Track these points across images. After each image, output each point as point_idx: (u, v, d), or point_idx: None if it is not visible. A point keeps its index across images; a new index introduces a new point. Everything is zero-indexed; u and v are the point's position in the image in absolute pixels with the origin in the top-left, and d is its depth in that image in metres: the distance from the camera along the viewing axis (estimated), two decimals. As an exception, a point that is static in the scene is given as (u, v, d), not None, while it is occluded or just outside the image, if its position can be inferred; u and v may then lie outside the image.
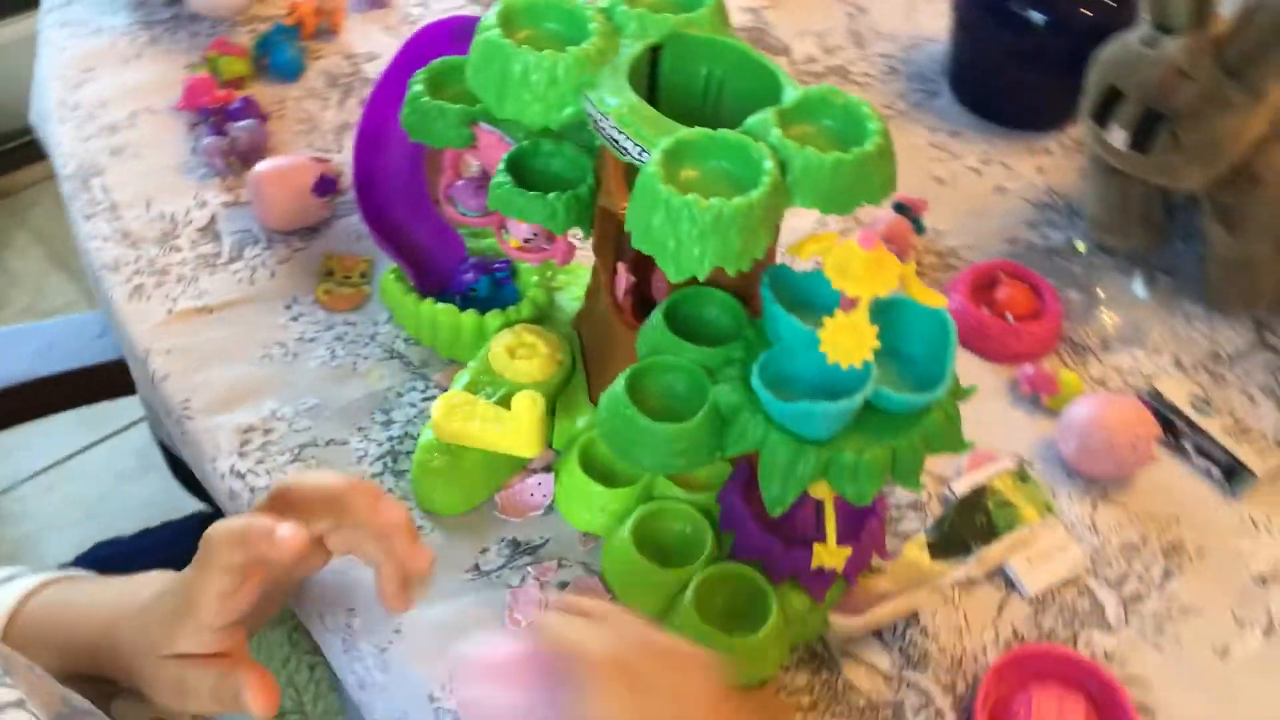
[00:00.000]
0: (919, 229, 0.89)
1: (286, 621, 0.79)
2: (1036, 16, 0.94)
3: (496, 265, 0.80)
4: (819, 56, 1.05)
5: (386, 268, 0.81)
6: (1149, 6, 0.79)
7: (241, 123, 0.90)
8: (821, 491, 0.61)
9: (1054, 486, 0.76)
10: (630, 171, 0.65)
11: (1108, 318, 0.85)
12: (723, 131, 0.59)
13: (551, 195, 0.68)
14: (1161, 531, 0.74)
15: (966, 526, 0.72)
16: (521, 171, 0.70)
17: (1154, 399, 0.79)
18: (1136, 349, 0.84)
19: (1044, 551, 0.72)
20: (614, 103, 0.61)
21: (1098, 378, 0.82)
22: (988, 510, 0.73)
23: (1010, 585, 0.71)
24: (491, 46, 0.62)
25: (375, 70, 0.99)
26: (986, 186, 0.95)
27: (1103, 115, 0.80)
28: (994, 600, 0.70)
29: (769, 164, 0.57)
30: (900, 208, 0.89)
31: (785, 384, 0.59)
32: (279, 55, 0.97)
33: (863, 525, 0.67)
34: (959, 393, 0.63)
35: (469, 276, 0.79)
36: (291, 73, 0.97)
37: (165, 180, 0.89)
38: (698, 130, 0.59)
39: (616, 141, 0.61)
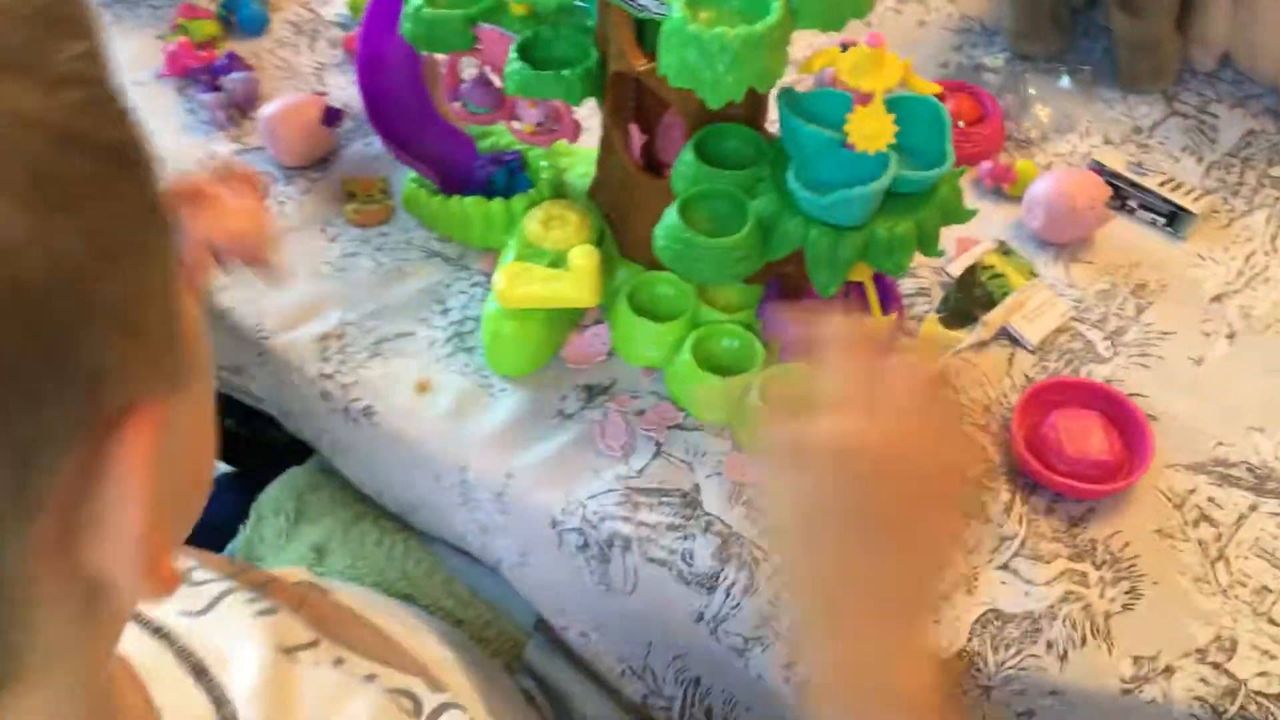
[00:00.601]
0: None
1: (366, 515, 0.86)
2: None
3: (508, 157, 0.88)
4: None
5: (405, 180, 0.88)
6: None
7: (233, 75, 0.96)
8: (860, 274, 0.71)
9: (1031, 256, 0.87)
10: (640, 33, 0.73)
11: (1041, 112, 0.96)
12: (728, -25, 0.68)
13: (566, 71, 0.76)
14: (1128, 276, 0.86)
15: (968, 299, 0.83)
16: (535, 61, 0.78)
17: (1098, 169, 0.91)
18: (1070, 135, 0.96)
19: (1036, 309, 0.83)
20: (625, -32, 0.69)
21: (1044, 164, 0.93)
22: (983, 283, 0.83)
23: (1014, 341, 0.82)
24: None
25: (333, 13, 1.05)
26: (910, 22, 1.06)
27: (1011, -69, 0.91)
28: (1004, 355, 0.81)
29: (775, -4, 0.66)
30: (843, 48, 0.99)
31: (813, 188, 0.69)
32: (244, 11, 1.02)
33: (886, 311, 0.77)
34: (957, 172, 0.73)
35: (486, 170, 0.87)
36: (258, 27, 1.03)
37: (173, 142, 0.94)
38: (708, -22, 0.67)
39: (635, 1, 0.69)
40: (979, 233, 0.88)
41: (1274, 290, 0.85)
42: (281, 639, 0.54)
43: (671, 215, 0.71)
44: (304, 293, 0.84)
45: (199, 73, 0.97)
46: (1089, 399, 0.77)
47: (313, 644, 0.56)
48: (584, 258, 0.77)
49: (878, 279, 0.79)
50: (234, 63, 0.97)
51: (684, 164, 0.73)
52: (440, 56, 0.86)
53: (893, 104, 0.70)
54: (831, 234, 0.68)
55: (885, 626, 0.50)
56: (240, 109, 0.95)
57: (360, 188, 0.91)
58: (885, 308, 0.77)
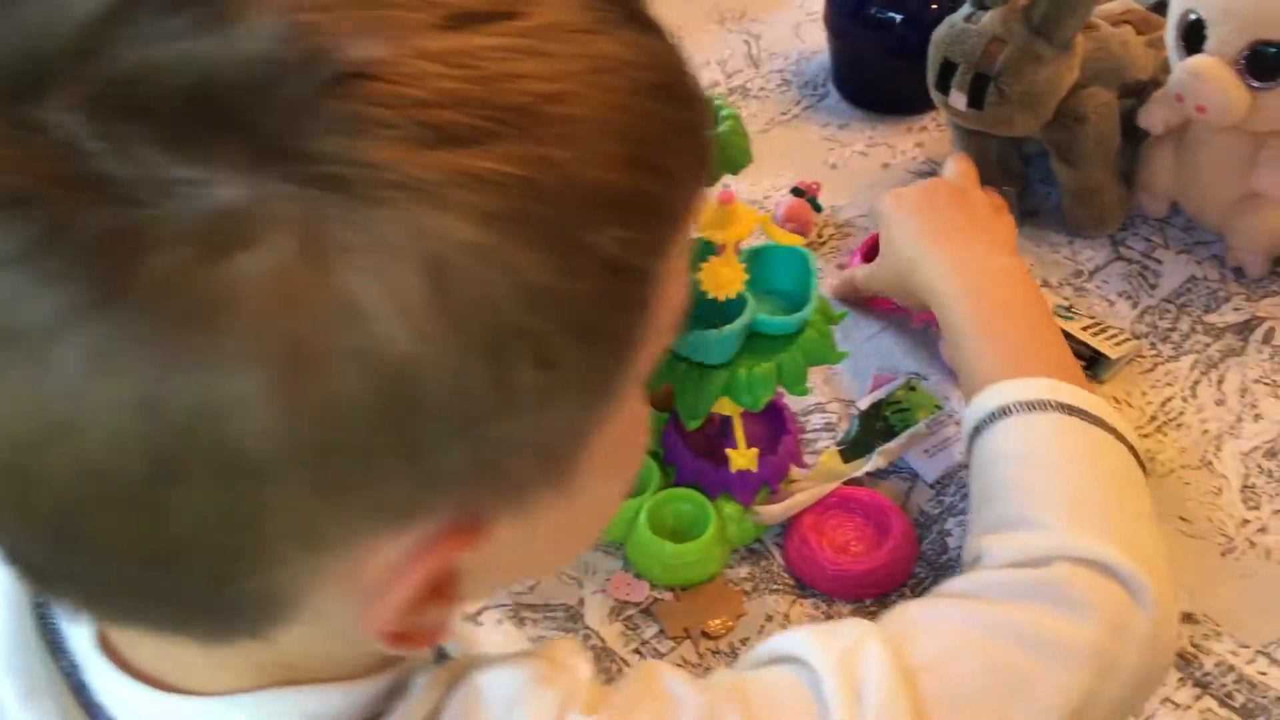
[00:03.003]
0: (816, 208, 1.04)
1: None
2: (894, 16, 1.10)
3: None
4: (722, 80, 1.21)
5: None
6: (967, -10, 0.95)
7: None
8: (727, 408, 0.76)
9: (947, 391, 0.90)
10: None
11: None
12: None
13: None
14: (1039, 417, 0.88)
15: (869, 431, 0.86)
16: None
17: (1022, 312, 0.94)
18: (1011, 277, 0.99)
19: (938, 443, 0.86)
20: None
21: (979, 304, 0.97)
22: (885, 416, 0.87)
23: (916, 475, 0.85)
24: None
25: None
26: (874, 165, 1.11)
27: (943, 84, 0.95)
28: (903, 488, 0.84)
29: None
30: (797, 191, 1.04)
31: (688, 325, 0.74)
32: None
33: (778, 440, 0.81)
34: (831, 317, 0.78)
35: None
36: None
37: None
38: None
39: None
40: (904, 367, 0.92)
41: (1184, 436, 0.86)
42: None
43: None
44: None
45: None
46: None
47: None
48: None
49: (775, 410, 0.83)
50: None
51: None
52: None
53: (766, 252, 0.76)
54: (696, 370, 0.73)
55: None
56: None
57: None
58: (777, 436, 0.81)
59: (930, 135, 1.13)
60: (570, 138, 0.34)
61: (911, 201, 0.88)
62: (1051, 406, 0.67)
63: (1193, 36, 0.89)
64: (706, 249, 0.72)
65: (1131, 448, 0.68)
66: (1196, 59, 0.87)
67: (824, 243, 1.03)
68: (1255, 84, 0.86)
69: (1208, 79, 0.86)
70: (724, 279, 0.70)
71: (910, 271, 0.84)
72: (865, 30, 1.12)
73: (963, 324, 0.77)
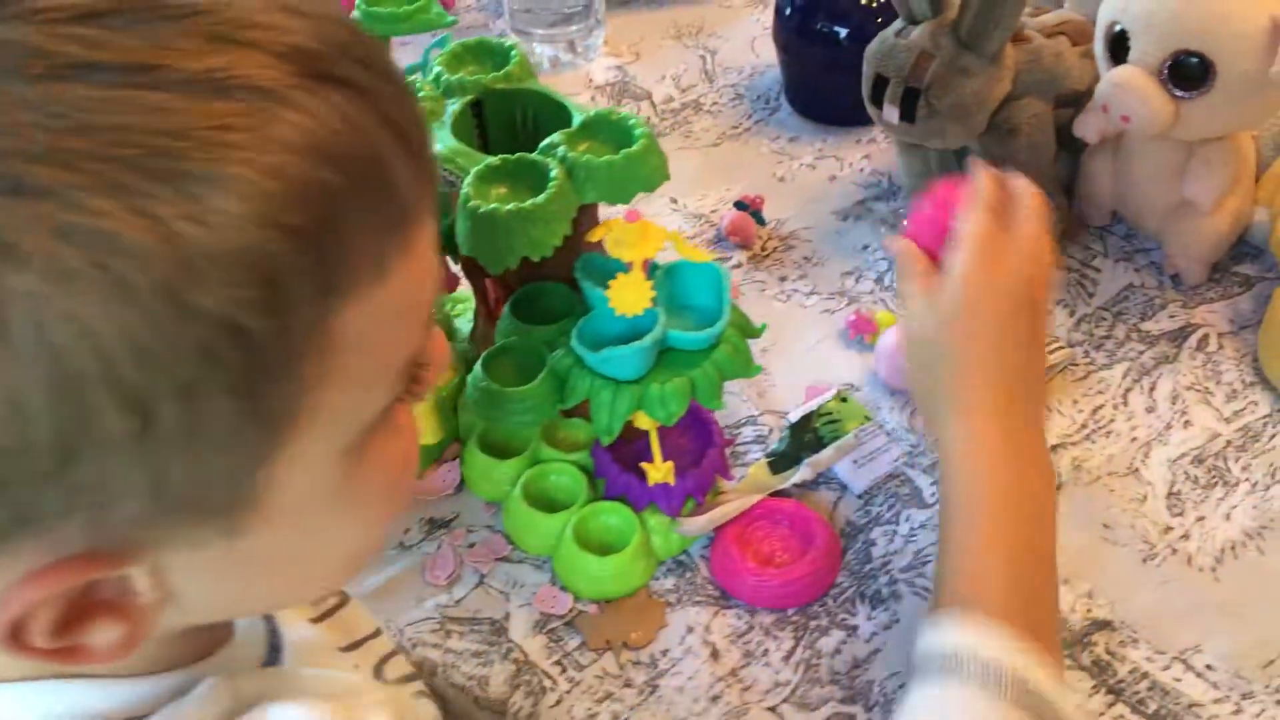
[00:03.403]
0: (760, 221, 1.06)
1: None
2: (839, 30, 1.11)
3: (402, 304, 0.97)
4: (676, 96, 1.23)
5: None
6: (899, 5, 0.96)
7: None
8: (644, 423, 0.77)
9: (879, 403, 0.91)
10: (468, 201, 0.82)
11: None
12: (518, 155, 0.76)
13: (420, 233, 0.85)
14: (970, 427, 0.89)
15: (798, 443, 0.87)
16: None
17: (956, 322, 0.94)
18: (950, 287, 0.99)
19: (868, 454, 0.87)
20: (440, 148, 0.78)
21: (917, 315, 0.97)
22: (815, 428, 0.88)
23: (844, 487, 0.86)
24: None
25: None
26: (821, 177, 1.12)
27: (877, 98, 0.96)
28: (830, 498, 0.85)
29: (554, 172, 0.74)
30: (740, 205, 1.06)
31: (604, 343, 0.75)
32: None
33: (704, 453, 0.83)
34: (749, 331, 0.79)
35: (379, 316, 0.96)
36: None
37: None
38: (500, 157, 0.76)
39: (449, 180, 0.78)
40: (838, 379, 0.93)
41: (1112, 444, 0.87)
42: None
43: (477, 365, 0.78)
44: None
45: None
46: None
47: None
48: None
49: (702, 423, 0.85)
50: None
51: (503, 319, 0.81)
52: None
53: (680, 269, 0.77)
54: (610, 386, 0.74)
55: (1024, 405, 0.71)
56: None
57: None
58: (703, 449, 0.82)
59: (879, 147, 1.14)
60: (186, 197, 0.35)
61: (950, 304, 0.71)
62: (1008, 689, 0.60)
63: (1117, 47, 0.89)
64: (615, 267, 0.73)
65: None
66: (1120, 69, 0.88)
67: (767, 255, 1.04)
68: (1178, 94, 0.87)
69: (1130, 89, 0.87)
70: (631, 297, 0.71)
71: (927, 412, 0.76)
72: (811, 45, 1.13)
73: (966, 526, 0.67)
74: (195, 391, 0.36)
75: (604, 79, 1.25)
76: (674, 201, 1.10)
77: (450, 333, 0.96)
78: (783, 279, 1.02)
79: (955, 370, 0.71)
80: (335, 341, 0.39)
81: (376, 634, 0.65)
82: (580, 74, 1.26)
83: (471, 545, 0.84)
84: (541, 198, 0.72)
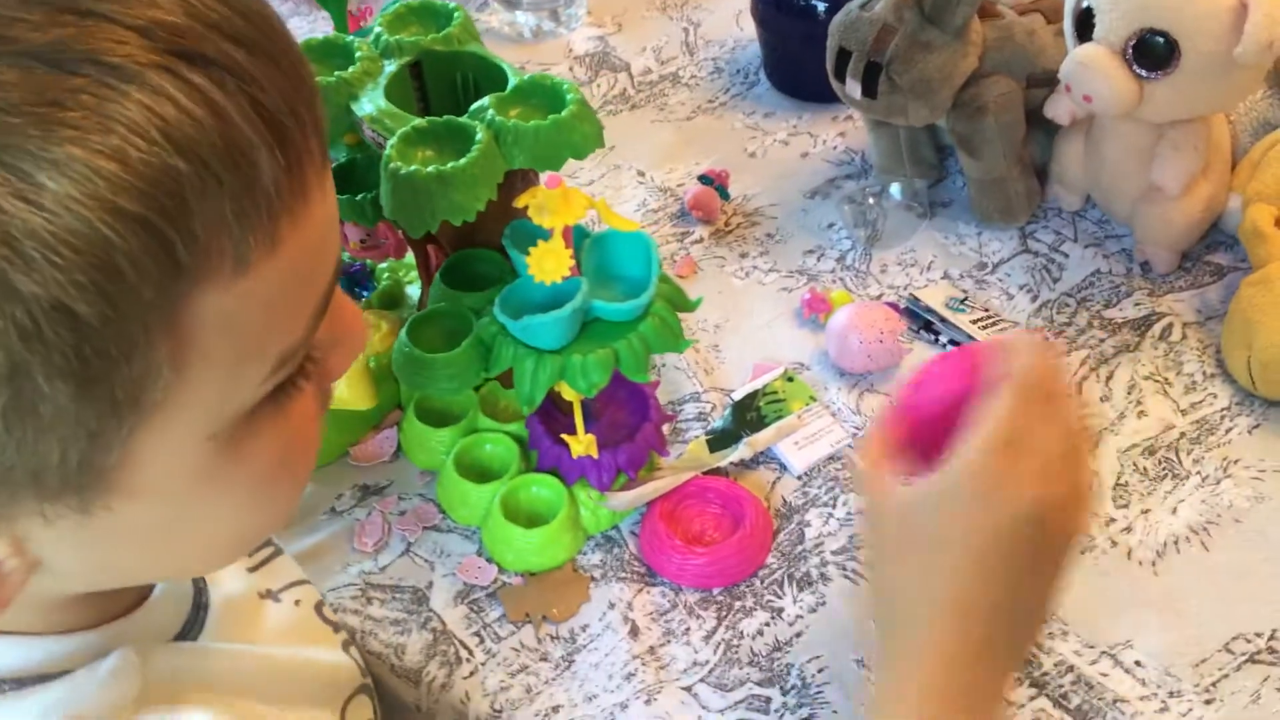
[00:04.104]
0: (724, 195, 1.04)
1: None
2: (817, 4, 1.09)
3: (354, 268, 0.96)
4: (654, 68, 1.21)
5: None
6: (866, -24, 0.93)
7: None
8: (569, 394, 0.76)
9: (827, 383, 0.89)
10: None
11: (890, 246, 0.98)
12: (446, 118, 0.74)
13: (360, 196, 0.84)
14: (918, 410, 0.87)
15: (739, 421, 0.85)
16: (345, 184, 0.86)
17: (912, 303, 0.92)
18: (912, 269, 0.97)
19: (810, 435, 0.85)
20: (369, 109, 0.77)
21: (875, 295, 0.95)
22: (757, 407, 0.86)
23: (784, 467, 0.84)
24: (278, 81, 0.79)
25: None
26: (793, 154, 1.09)
27: (840, 73, 0.94)
28: (769, 478, 0.84)
29: (481, 136, 0.72)
30: (705, 179, 1.04)
31: (529, 311, 0.74)
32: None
33: (638, 428, 0.81)
34: (683, 304, 0.77)
35: (330, 280, 0.95)
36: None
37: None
38: (427, 119, 0.74)
39: (376, 140, 0.77)
40: (789, 358, 0.91)
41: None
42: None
43: (402, 331, 0.77)
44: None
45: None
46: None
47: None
48: (352, 366, 0.84)
49: (640, 397, 0.83)
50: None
51: (434, 284, 0.80)
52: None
53: (609, 239, 0.76)
54: (532, 355, 0.73)
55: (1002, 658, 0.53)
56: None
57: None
58: (638, 424, 0.81)
59: (854, 125, 1.11)
60: (16, 174, 0.34)
61: (922, 558, 0.53)
62: None
63: (1084, 25, 0.87)
64: (544, 234, 0.72)
65: None
66: (1083, 48, 0.85)
67: (730, 231, 1.02)
68: (1142, 74, 0.84)
69: (1092, 68, 0.84)
70: (550, 264, 0.70)
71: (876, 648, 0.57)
72: (790, 19, 1.11)
73: None
74: (22, 373, 0.35)
75: (584, 49, 1.24)
76: (641, 174, 1.08)
77: (400, 299, 0.95)
78: (743, 255, 1.00)
79: (905, 600, 0.54)
80: (190, 329, 0.38)
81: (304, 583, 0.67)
82: (560, 44, 1.25)
83: (403, 513, 0.83)
84: (464, 161, 0.71)
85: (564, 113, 0.74)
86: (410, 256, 0.93)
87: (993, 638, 0.52)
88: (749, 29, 1.23)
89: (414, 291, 0.96)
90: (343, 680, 0.64)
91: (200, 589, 0.58)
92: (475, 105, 0.75)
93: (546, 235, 0.71)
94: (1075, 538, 0.54)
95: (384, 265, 0.96)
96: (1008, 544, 0.52)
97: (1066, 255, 0.97)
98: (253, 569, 0.64)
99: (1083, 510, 0.53)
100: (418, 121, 0.74)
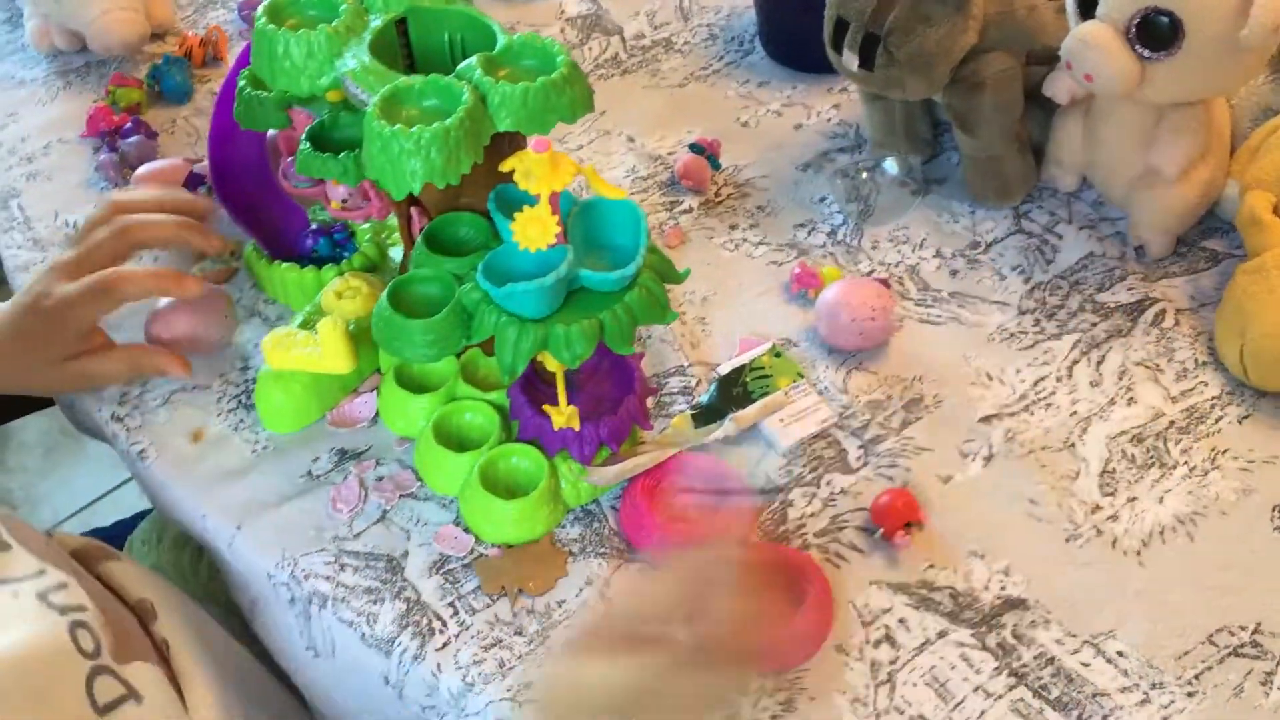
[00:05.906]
0: (715, 165, 1.02)
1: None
2: (817, -29, 1.06)
3: (335, 229, 0.94)
4: (647, 32, 1.18)
5: (249, 244, 0.95)
6: (866, -54, 0.91)
7: (130, 139, 1.05)
8: (552, 364, 0.74)
9: (814, 360, 0.87)
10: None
11: (883, 222, 0.97)
12: (433, 76, 0.72)
13: (343, 154, 0.81)
14: (906, 389, 0.86)
15: (725, 397, 0.84)
16: (328, 142, 0.84)
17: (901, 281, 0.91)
18: (904, 246, 0.96)
19: (797, 412, 0.84)
20: (353, 64, 0.75)
21: (867, 271, 0.94)
22: (744, 383, 0.85)
23: (769, 444, 0.83)
24: (260, 33, 0.76)
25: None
26: (786, 125, 1.08)
27: (837, 44, 0.92)
28: (754, 456, 0.82)
29: (466, 96, 0.70)
30: (695, 148, 1.02)
31: (513, 278, 0.72)
32: (168, 82, 1.12)
33: (621, 401, 0.79)
34: (671, 275, 0.75)
35: (310, 240, 0.93)
36: (181, 96, 1.13)
37: (72, 195, 1.04)
38: (413, 78, 0.72)
39: (359, 97, 0.74)
40: (778, 333, 0.89)
41: (1050, 417, 0.83)
42: None
43: (382, 295, 0.75)
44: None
45: (109, 135, 1.07)
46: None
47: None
48: (330, 329, 0.82)
49: (625, 370, 0.81)
50: (137, 127, 1.07)
51: (416, 249, 0.78)
52: (273, 132, 0.93)
53: (597, 206, 0.74)
54: (515, 324, 0.71)
55: None
56: (132, 169, 1.04)
57: (214, 249, 0.98)
58: (621, 396, 0.79)
59: (849, 97, 1.09)
60: None
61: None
62: None
63: (1087, 1, 0.85)
64: (529, 199, 0.70)
65: None
66: (1085, 25, 0.84)
67: (720, 202, 1.01)
68: (1145, 54, 0.82)
69: (1094, 46, 0.82)
70: (535, 231, 0.68)
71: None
72: (788, -15, 1.09)
73: None
74: None
75: (576, 11, 1.21)
76: (631, 140, 1.06)
77: (382, 261, 0.93)
78: (733, 227, 0.98)
79: None
80: None
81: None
82: (552, 5, 1.22)
83: (380, 479, 0.82)
84: (449, 122, 0.69)
85: (553, 75, 0.72)
86: (394, 219, 0.91)
87: None
88: (746, -4, 1.21)
89: (396, 254, 0.94)
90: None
91: None
92: (463, 65, 0.73)
93: (533, 201, 0.69)
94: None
95: (365, 226, 0.94)
96: None
97: (1060, 237, 0.96)
98: None
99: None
100: (402, 79, 0.72)
